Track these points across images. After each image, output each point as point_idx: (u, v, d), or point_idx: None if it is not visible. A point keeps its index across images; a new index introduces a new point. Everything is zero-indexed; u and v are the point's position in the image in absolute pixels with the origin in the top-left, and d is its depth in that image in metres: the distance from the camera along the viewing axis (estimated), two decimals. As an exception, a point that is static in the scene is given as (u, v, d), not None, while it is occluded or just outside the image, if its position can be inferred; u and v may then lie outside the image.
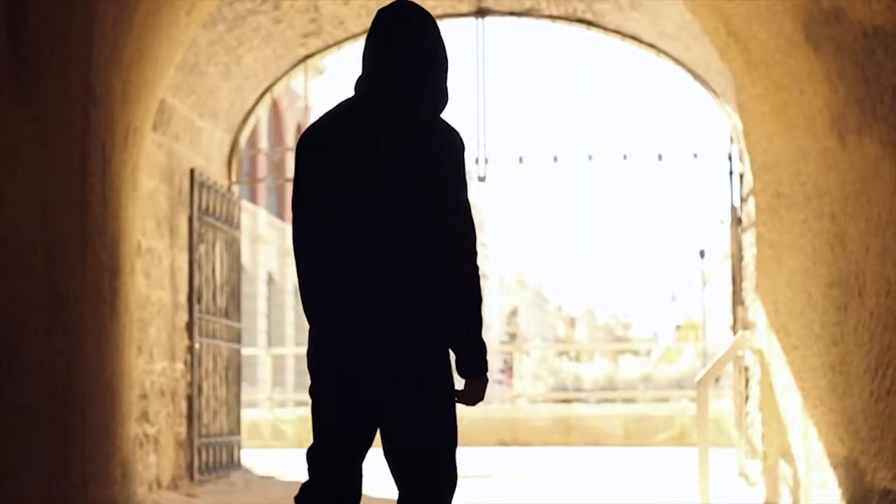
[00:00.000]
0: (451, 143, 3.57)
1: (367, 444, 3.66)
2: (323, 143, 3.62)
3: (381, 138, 3.54)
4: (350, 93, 3.74)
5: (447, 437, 3.58)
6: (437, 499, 3.57)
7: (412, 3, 3.74)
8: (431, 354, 3.52)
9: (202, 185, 11.44)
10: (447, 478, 3.58)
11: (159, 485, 10.36)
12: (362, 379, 3.50)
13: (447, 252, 3.47)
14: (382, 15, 3.71)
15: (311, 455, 3.63)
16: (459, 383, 3.65)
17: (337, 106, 3.73)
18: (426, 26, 3.69)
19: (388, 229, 3.46)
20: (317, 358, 3.58)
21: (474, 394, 3.62)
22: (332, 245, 3.53)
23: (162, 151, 10.66)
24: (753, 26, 8.11)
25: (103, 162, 7.14)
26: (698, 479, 9.27)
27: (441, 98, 3.69)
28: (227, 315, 12.15)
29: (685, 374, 39.09)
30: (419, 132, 3.55)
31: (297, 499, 3.63)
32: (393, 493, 3.79)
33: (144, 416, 10.02)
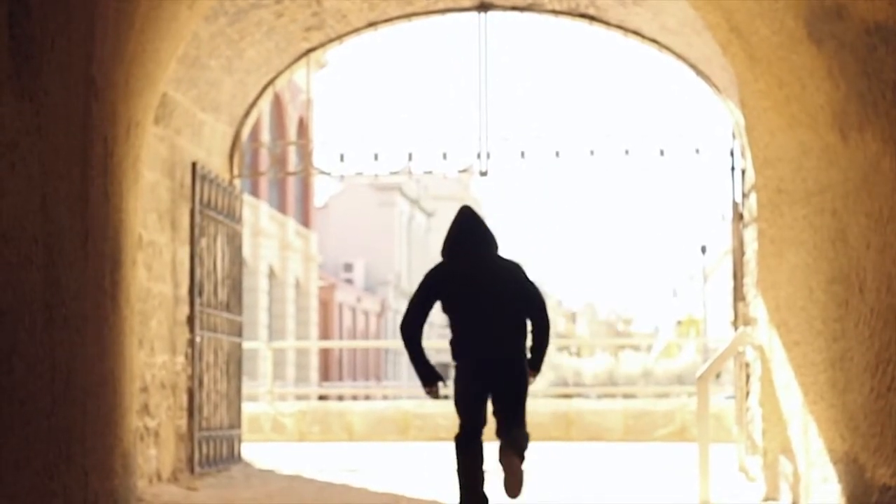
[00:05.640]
0: (518, 267, 7.48)
1: (486, 407, 7.37)
2: (447, 277, 7.41)
3: (481, 273, 7.37)
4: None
5: (524, 395, 7.38)
6: (520, 419, 7.34)
7: (471, 207, 7.64)
8: (521, 365, 7.39)
9: (204, 178, 11.44)
10: (524, 413, 7.40)
11: (160, 478, 10.37)
12: (489, 377, 7.33)
13: (538, 316, 7.42)
14: (462, 212, 7.56)
15: (461, 415, 7.35)
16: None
17: (445, 261, 7.48)
18: (482, 218, 7.58)
19: (494, 311, 7.28)
20: (467, 369, 7.37)
21: (533, 376, 7.51)
22: (470, 323, 7.34)
23: (164, 145, 10.66)
24: (756, 22, 8.10)
25: (105, 155, 7.14)
26: (698, 474, 9.27)
27: (497, 249, 7.51)
28: (228, 308, 12.16)
29: (686, 369, 39.13)
30: (498, 267, 7.44)
31: (456, 439, 7.31)
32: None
33: (145, 409, 10.04)
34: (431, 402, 16.15)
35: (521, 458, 7.20)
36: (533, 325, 7.38)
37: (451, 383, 7.77)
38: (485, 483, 7.28)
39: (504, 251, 7.45)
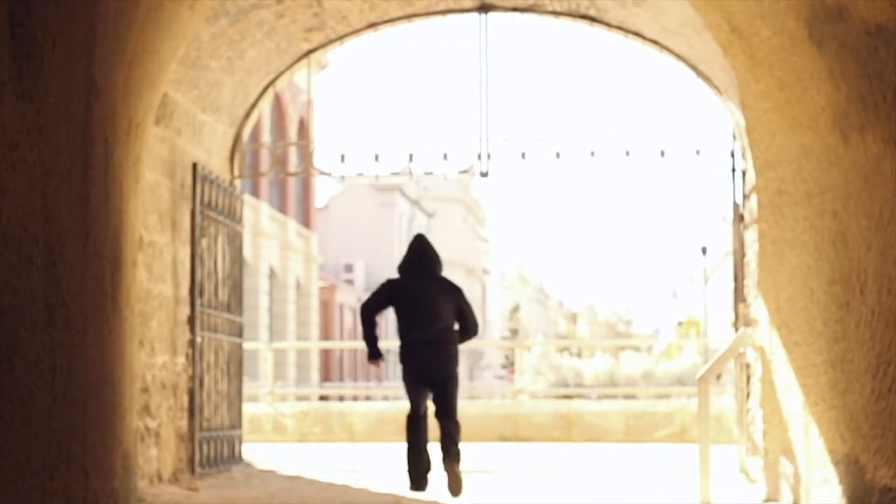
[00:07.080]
0: (455, 286, 9.53)
1: (427, 393, 9.46)
2: (400, 288, 9.44)
3: (426, 287, 9.38)
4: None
5: (454, 386, 9.42)
6: (451, 406, 9.44)
7: (423, 236, 9.70)
8: (453, 361, 9.44)
9: (204, 178, 11.44)
10: (454, 402, 9.45)
11: (160, 478, 10.37)
12: (427, 370, 9.35)
13: (469, 322, 9.49)
14: (416, 239, 9.62)
15: (410, 401, 9.42)
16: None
17: (399, 277, 9.53)
18: (431, 245, 9.58)
19: (433, 317, 9.27)
20: (409, 363, 9.37)
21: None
22: (414, 324, 9.31)
23: (164, 145, 10.66)
24: (756, 23, 8.10)
25: (105, 155, 7.14)
26: (699, 475, 9.27)
27: (441, 268, 9.54)
28: (228, 309, 12.15)
29: (686, 370, 39.03)
30: (440, 284, 9.46)
31: (407, 418, 9.49)
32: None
33: (146, 409, 10.03)
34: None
35: (459, 461, 9.32)
36: (461, 328, 9.45)
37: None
38: (427, 444, 9.46)
39: (452, 273, 9.72)
